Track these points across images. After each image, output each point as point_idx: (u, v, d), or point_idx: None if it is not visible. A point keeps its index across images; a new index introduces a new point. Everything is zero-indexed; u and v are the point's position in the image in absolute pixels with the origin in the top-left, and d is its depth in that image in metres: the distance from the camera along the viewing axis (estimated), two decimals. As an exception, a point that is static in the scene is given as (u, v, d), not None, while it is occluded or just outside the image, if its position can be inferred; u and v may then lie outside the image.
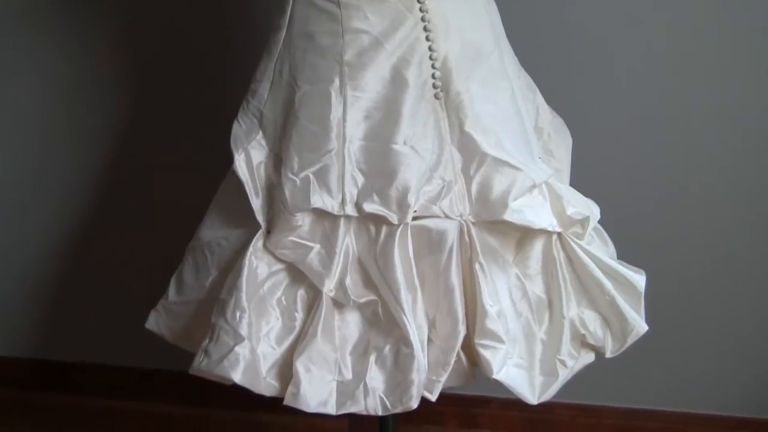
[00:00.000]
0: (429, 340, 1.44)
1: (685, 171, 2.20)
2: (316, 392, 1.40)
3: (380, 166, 1.40)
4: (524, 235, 1.50)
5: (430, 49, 1.42)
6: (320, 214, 1.42)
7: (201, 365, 1.39)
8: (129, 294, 2.48)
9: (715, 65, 2.11)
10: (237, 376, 1.37)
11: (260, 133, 1.47)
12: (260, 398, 1.43)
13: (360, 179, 1.41)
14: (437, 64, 1.42)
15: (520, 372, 1.49)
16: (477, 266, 1.43)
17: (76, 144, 2.44)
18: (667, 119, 2.17)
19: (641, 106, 2.17)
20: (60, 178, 2.48)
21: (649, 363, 2.35)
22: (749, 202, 2.20)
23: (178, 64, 2.33)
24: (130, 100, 2.38)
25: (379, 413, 1.41)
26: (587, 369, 1.55)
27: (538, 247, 1.51)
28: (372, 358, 1.42)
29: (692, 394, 2.40)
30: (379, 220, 1.41)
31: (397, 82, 1.41)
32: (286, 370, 1.41)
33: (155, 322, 1.58)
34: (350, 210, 1.41)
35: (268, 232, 1.44)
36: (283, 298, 1.45)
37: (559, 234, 1.51)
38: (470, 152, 1.44)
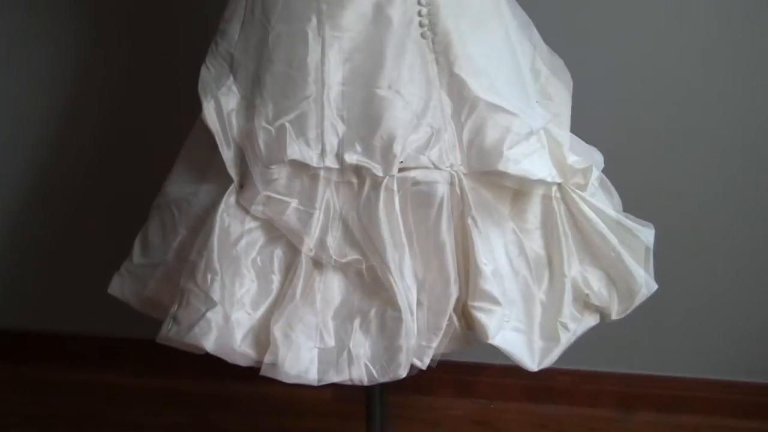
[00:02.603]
0: (418, 302, 1.44)
1: (688, 118, 2.20)
2: (296, 361, 1.40)
3: (363, 113, 1.39)
4: (521, 186, 1.50)
5: (415, -17, 1.41)
6: (298, 166, 1.41)
7: (169, 333, 1.39)
8: (90, 257, 2.48)
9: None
10: (209, 345, 1.37)
11: (231, 78, 1.46)
12: (235, 368, 1.43)
13: (341, 128, 1.40)
14: (423, 1, 1.41)
15: (519, 336, 1.50)
16: (470, 221, 1.43)
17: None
18: (668, 62, 2.17)
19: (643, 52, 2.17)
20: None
21: (655, 326, 2.37)
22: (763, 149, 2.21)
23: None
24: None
25: (365, 383, 1.41)
26: (589, 333, 1.56)
27: (536, 199, 1.51)
28: (356, 322, 1.42)
29: (698, 360, 2.42)
30: (362, 172, 1.40)
31: (379, 20, 1.39)
32: (262, 337, 1.41)
33: (119, 286, 1.57)
34: (330, 162, 1.40)
35: (241, 186, 1.44)
36: (258, 259, 1.45)
37: (559, 185, 1.50)
38: (461, 97, 1.43)
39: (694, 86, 2.17)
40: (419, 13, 1.41)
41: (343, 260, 1.42)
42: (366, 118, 1.39)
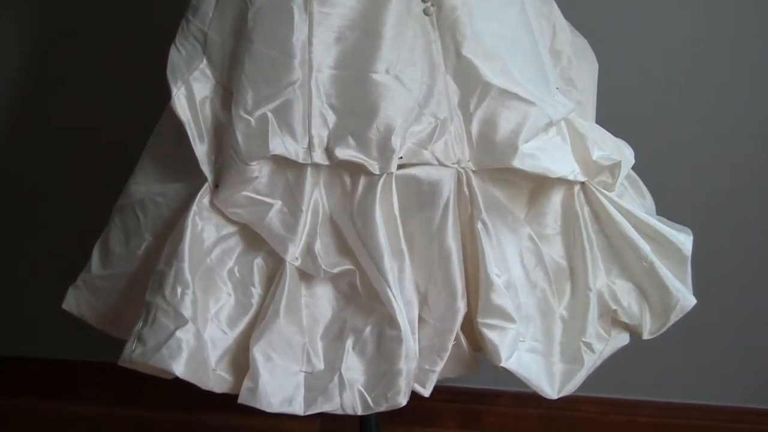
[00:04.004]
0: (420, 319, 1.45)
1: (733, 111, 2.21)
2: (279, 387, 1.39)
3: (356, 100, 1.39)
4: (539, 186, 1.51)
5: (417, -49, 1.41)
6: (282, 162, 1.41)
7: (133, 355, 1.38)
8: (41, 268, 2.48)
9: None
10: (179, 368, 1.36)
11: (204, 61, 1.46)
12: (209, 395, 1.42)
13: (331, 118, 1.40)
14: (426, -29, 1.42)
15: (536, 358, 1.50)
16: (479, 225, 1.43)
17: None
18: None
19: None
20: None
21: (693, 347, 2.37)
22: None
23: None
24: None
25: (359, 412, 1.41)
26: (618, 354, 1.56)
27: (556, 200, 1.51)
28: (349, 342, 1.42)
29: (743, 387, 2.42)
30: (355, 169, 1.40)
31: (376, -7, 1.40)
32: (240, 360, 1.41)
33: (75, 301, 1.57)
34: (319, 157, 1.40)
35: (216, 186, 1.44)
36: (235, 269, 1.45)
37: (582, 184, 1.51)
38: (469, 82, 1.43)
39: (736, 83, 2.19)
40: (421, -14, 1.42)
41: (334, 270, 1.42)
42: (360, 107, 1.39)
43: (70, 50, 2.35)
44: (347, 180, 1.42)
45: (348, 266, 1.42)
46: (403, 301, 1.40)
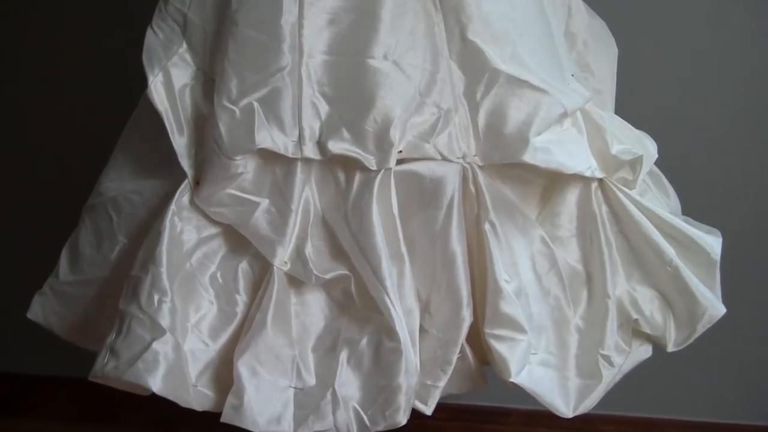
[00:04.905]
0: (422, 329, 1.45)
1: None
2: (266, 404, 1.39)
3: (351, 89, 1.39)
4: (552, 183, 1.51)
5: (418, -76, 1.41)
6: (269, 157, 1.41)
7: (106, 369, 1.38)
8: (2, 275, 2.48)
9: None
10: (156, 383, 1.35)
11: (184, 45, 1.46)
12: (188, 413, 1.42)
13: (324, 108, 1.40)
14: (428, -54, 1.42)
15: (549, 373, 1.50)
16: (487, 226, 1.43)
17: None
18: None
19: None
20: None
21: (721, 360, 2.37)
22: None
23: None
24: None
25: (354, 431, 1.41)
26: (640, 369, 1.56)
27: (571, 199, 1.51)
28: (343, 355, 1.42)
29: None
30: (350, 164, 1.40)
31: (372, -29, 1.40)
32: (224, 374, 1.41)
33: (40, 309, 1.56)
34: (310, 151, 1.40)
35: (197, 182, 1.43)
36: (218, 275, 1.45)
37: (600, 181, 1.51)
38: (476, 69, 1.43)
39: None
40: (423, -38, 1.41)
41: (327, 276, 1.42)
42: (355, 95, 1.39)
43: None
44: (341, 176, 1.41)
45: (342, 271, 1.42)
46: (403, 309, 1.40)
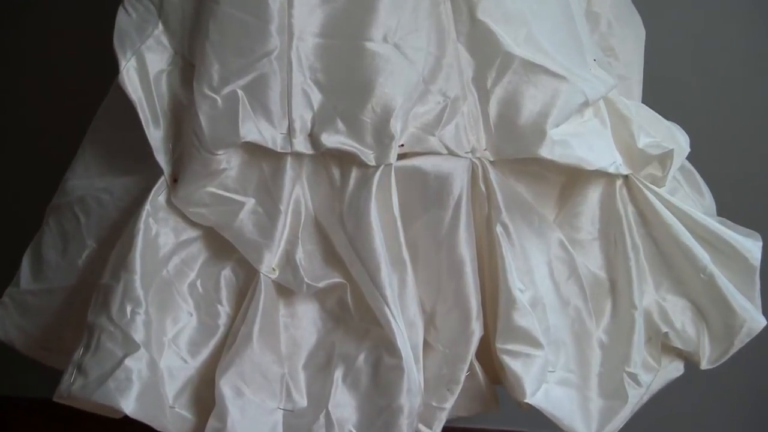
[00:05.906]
0: (426, 344, 1.44)
1: None
2: (252, 427, 1.39)
3: (347, 75, 1.39)
4: (572, 180, 1.51)
5: None
6: (255, 151, 1.41)
7: (73, 388, 1.37)
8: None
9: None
10: (129, 405, 1.34)
11: (160, 26, 1.45)
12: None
13: (316, 97, 1.40)
14: None
15: (568, 392, 1.50)
16: (499, 229, 1.43)
17: None
18: None
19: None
20: None
21: (761, 377, 2.37)
22: None
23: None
24: None
25: (351, 458, 1.41)
26: (670, 388, 1.56)
27: (593, 198, 1.51)
28: (338, 373, 1.42)
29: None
30: (346, 159, 1.40)
31: (370, -56, 1.39)
32: (204, 394, 1.40)
33: (0, 322, 1.56)
34: (301, 145, 1.39)
35: (175, 180, 1.43)
36: (198, 283, 1.44)
37: (625, 178, 1.51)
38: (486, 53, 1.43)
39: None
40: (427, -66, 1.41)
41: (320, 284, 1.42)
42: (351, 83, 1.39)
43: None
44: (336, 173, 1.41)
45: (337, 279, 1.42)
46: (405, 322, 1.40)
